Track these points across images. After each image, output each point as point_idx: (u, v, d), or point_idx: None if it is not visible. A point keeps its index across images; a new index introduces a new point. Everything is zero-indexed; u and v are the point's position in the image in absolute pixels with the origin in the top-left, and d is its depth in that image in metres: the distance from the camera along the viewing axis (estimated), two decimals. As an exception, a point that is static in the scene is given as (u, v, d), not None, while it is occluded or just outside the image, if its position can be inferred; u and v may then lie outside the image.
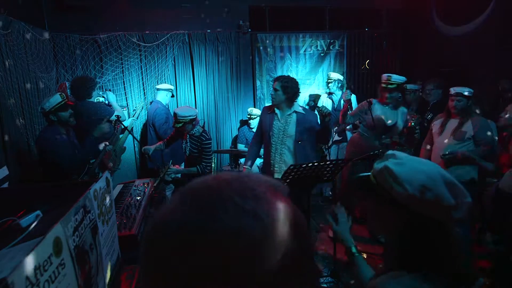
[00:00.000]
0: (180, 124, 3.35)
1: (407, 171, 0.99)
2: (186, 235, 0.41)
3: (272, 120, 3.32)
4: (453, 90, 3.28)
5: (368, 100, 3.65)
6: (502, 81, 4.05)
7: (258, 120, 3.66)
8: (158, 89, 4.62)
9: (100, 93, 4.51)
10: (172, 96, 4.78)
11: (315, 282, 0.46)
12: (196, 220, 0.42)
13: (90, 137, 3.16)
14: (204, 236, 0.41)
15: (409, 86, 4.53)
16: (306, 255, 0.45)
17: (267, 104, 5.63)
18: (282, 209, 0.44)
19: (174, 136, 3.69)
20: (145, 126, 5.11)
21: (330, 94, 5.01)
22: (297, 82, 3.30)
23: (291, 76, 3.36)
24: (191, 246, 0.41)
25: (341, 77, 5.01)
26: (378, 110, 3.75)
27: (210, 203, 0.43)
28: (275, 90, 3.23)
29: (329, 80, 4.93)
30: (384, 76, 3.74)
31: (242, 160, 4.99)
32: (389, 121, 3.74)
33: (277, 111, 3.31)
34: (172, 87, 4.69)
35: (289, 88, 3.21)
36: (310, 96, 5.70)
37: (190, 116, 3.35)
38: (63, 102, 2.91)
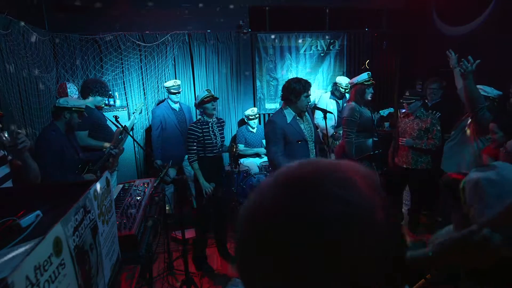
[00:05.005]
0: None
1: None
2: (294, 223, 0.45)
3: (299, 125, 3.20)
4: None
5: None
6: None
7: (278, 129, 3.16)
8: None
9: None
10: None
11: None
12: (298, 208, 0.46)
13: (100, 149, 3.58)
14: (305, 222, 0.45)
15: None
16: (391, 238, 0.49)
17: (267, 104, 5.65)
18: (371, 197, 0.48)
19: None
20: (141, 125, 5.10)
21: (338, 97, 4.96)
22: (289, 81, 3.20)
23: (291, 76, 3.33)
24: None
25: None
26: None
27: (309, 193, 0.47)
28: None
29: (345, 89, 4.79)
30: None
31: (242, 160, 4.98)
32: None
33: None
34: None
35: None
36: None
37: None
38: (83, 110, 3.11)
